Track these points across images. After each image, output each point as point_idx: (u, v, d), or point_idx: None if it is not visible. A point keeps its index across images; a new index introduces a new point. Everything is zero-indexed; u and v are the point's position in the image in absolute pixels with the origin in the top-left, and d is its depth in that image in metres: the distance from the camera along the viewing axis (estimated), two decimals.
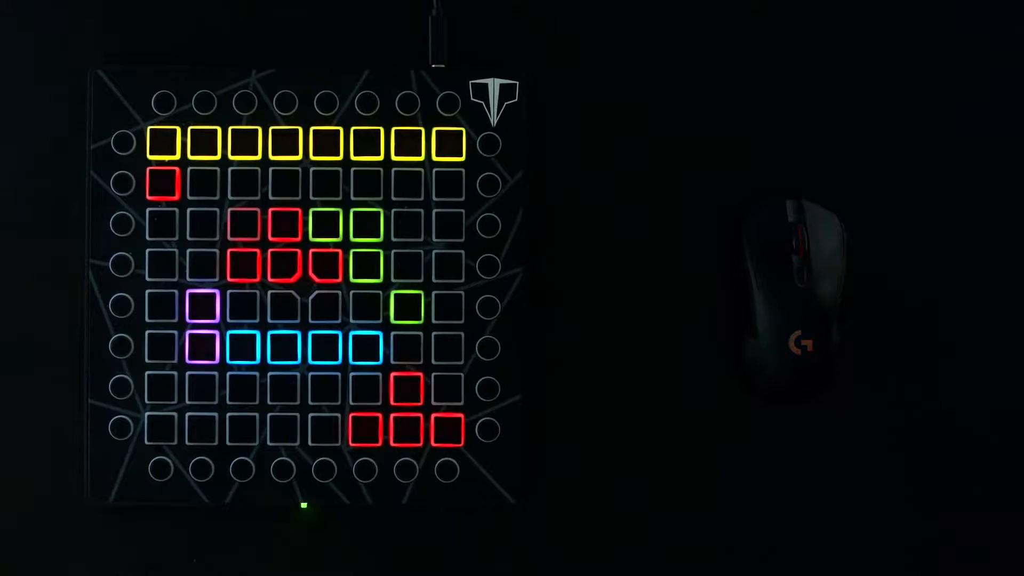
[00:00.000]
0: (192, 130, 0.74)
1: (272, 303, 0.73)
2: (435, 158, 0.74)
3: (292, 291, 0.73)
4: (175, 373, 0.73)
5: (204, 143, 0.74)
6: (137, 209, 0.74)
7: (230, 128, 0.74)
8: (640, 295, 0.76)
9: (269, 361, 0.73)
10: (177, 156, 0.74)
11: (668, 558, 0.75)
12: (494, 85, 0.74)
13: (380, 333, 0.74)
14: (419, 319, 0.74)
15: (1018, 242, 0.76)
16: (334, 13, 0.76)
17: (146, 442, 0.73)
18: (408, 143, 0.74)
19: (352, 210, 0.74)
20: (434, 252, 0.74)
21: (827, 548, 0.76)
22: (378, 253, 0.74)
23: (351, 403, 0.73)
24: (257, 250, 0.74)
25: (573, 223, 0.76)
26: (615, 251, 0.76)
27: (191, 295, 0.73)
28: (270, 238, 0.74)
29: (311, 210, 0.74)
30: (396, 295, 0.74)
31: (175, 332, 0.73)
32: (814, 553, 0.76)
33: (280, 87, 0.74)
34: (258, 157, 0.74)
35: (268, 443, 0.73)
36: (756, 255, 0.74)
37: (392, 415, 0.74)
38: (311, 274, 0.74)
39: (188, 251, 0.73)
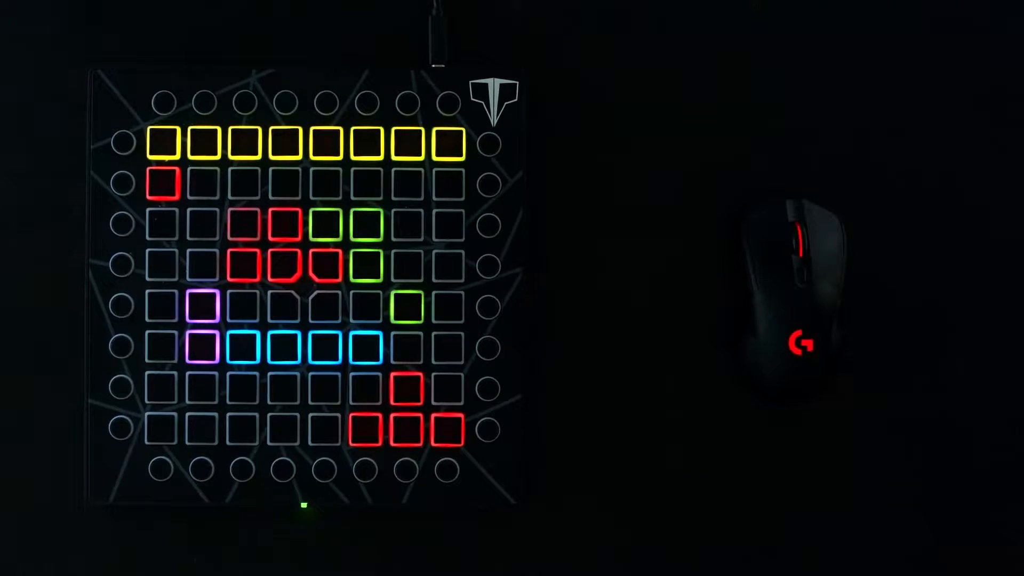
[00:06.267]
0: (192, 130, 0.74)
1: (272, 303, 0.73)
2: (435, 158, 0.74)
3: (292, 291, 0.73)
4: (175, 373, 0.73)
5: (204, 143, 0.74)
6: (137, 209, 0.74)
7: (230, 128, 0.74)
8: (640, 295, 0.76)
9: (269, 361, 0.73)
10: (177, 156, 0.74)
11: (668, 558, 0.75)
12: (494, 85, 0.74)
13: (380, 333, 0.74)
14: (419, 319, 0.74)
15: (1018, 242, 0.76)
16: (334, 13, 0.76)
17: (146, 442, 0.73)
18: (408, 143, 0.74)
19: (352, 210, 0.74)
20: (434, 252, 0.74)
21: (827, 548, 0.76)
22: (378, 253, 0.74)
23: (351, 403, 0.73)
24: (257, 250, 0.74)
25: (573, 223, 0.76)
26: (615, 251, 0.76)
27: (191, 295, 0.73)
28: (270, 238, 0.74)
29: (311, 210, 0.74)
30: (396, 295, 0.74)
31: (175, 332, 0.73)
32: (814, 553, 0.76)
33: (280, 87, 0.74)
34: (258, 157, 0.74)
35: (268, 443, 0.73)
36: (756, 255, 0.74)
37: (392, 415, 0.74)
38: (311, 274, 0.74)
39: (188, 251, 0.73)
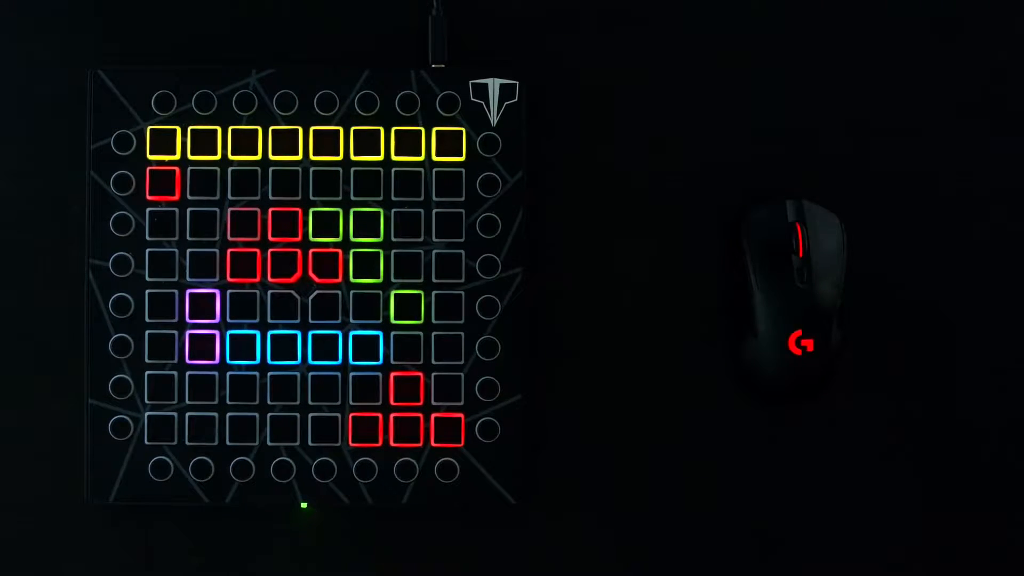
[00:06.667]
0: (192, 130, 0.74)
1: (272, 303, 0.73)
2: (435, 158, 0.74)
3: (292, 291, 0.73)
4: (175, 373, 0.73)
5: (204, 143, 0.74)
6: (137, 209, 0.74)
7: (230, 128, 0.74)
8: (640, 295, 0.76)
9: (269, 361, 0.73)
10: (177, 156, 0.74)
11: (668, 558, 0.75)
12: (494, 85, 0.74)
13: (380, 333, 0.74)
14: (419, 319, 0.74)
15: (1018, 242, 0.76)
16: (334, 13, 0.76)
17: (146, 442, 0.73)
18: (408, 143, 0.74)
19: (352, 210, 0.74)
20: (434, 252, 0.74)
21: (827, 548, 0.76)
22: (378, 253, 0.74)
23: (351, 403, 0.73)
24: (257, 250, 0.74)
25: (573, 223, 0.76)
26: (615, 251, 0.76)
27: (191, 295, 0.73)
28: (270, 238, 0.74)
29: (311, 210, 0.74)
30: (396, 295, 0.74)
31: (175, 332, 0.73)
32: (814, 553, 0.76)
33: (280, 87, 0.74)
34: (258, 157, 0.74)
35: (268, 443, 0.73)
36: (756, 255, 0.74)
37: (392, 415, 0.74)
38: (311, 274, 0.74)
39: (188, 251, 0.73)
